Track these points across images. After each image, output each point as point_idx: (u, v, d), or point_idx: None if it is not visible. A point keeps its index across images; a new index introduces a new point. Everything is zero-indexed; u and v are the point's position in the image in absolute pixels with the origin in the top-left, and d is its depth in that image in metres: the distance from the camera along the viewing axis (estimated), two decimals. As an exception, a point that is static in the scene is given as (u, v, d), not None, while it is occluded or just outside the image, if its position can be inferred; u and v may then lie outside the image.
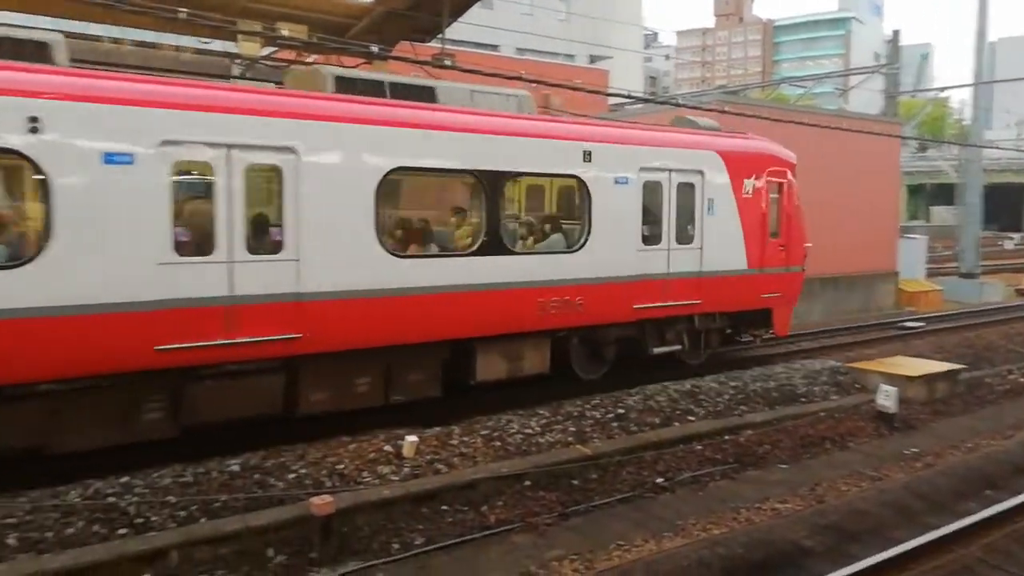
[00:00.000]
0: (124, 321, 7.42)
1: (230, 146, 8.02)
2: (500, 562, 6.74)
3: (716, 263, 12.40)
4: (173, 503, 6.87)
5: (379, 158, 9.10)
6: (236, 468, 7.73)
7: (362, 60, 13.54)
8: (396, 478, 7.97)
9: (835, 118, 21.89)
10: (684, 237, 12.12)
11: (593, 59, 52.69)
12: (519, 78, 14.14)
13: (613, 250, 11.23)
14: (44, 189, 7.10)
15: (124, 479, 7.26)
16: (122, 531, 6.44)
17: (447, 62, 11.59)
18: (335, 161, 8.81)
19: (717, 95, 26.76)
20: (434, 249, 10.15)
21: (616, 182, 11.20)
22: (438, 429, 9.31)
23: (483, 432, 9.36)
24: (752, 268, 12.88)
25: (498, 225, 10.20)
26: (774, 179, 13.19)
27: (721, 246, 12.47)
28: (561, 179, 11.59)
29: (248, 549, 6.54)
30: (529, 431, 9.53)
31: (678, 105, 19.87)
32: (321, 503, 6.62)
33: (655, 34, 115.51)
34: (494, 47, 43.53)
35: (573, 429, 9.72)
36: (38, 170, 7.09)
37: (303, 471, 7.87)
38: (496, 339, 10.41)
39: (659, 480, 8.76)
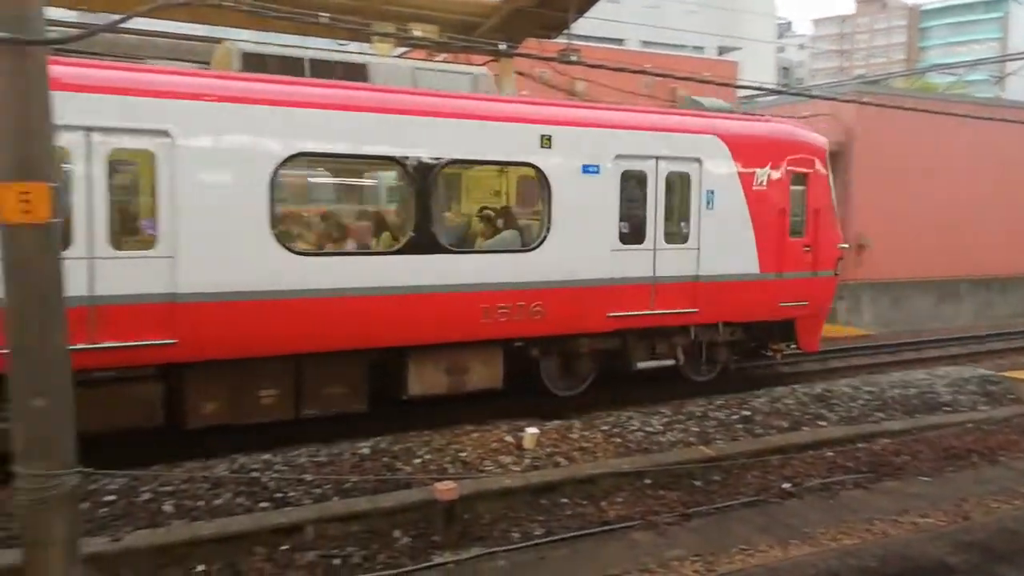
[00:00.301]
0: None
1: (89, 129, 7.24)
2: (620, 558, 6.73)
3: (717, 266, 10.76)
4: (309, 481, 7.27)
5: (275, 142, 8.01)
6: (366, 451, 8.10)
7: (490, 58, 13.78)
8: (517, 469, 8.09)
9: (989, 107, 20.35)
10: (675, 236, 10.65)
11: (722, 51, 51.28)
12: (644, 72, 13.97)
13: (579, 249, 9.85)
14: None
15: (266, 456, 7.77)
16: (263, 504, 6.88)
17: (573, 57, 11.63)
18: (218, 146, 7.86)
19: (855, 85, 25.42)
20: (351, 247, 9.12)
21: (584, 171, 9.82)
22: (558, 422, 9.39)
23: (603, 428, 9.36)
24: (766, 272, 11.12)
25: (430, 220, 9.02)
26: (797, 168, 11.37)
27: (724, 246, 10.82)
28: (515, 168, 10.33)
29: (376, 529, 6.83)
30: (650, 429, 9.44)
31: (812, 97, 19.03)
32: (445, 489, 6.82)
33: (789, 23, 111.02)
34: (619, 41, 43.16)
35: (696, 429, 9.55)
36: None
37: (428, 456, 8.13)
38: (434, 349, 9.28)
39: (786, 485, 8.46)
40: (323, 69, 8.82)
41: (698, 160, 10.63)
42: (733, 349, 11.76)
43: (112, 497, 6.75)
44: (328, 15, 8.43)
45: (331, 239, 9.24)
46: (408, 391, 9.28)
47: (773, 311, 11.40)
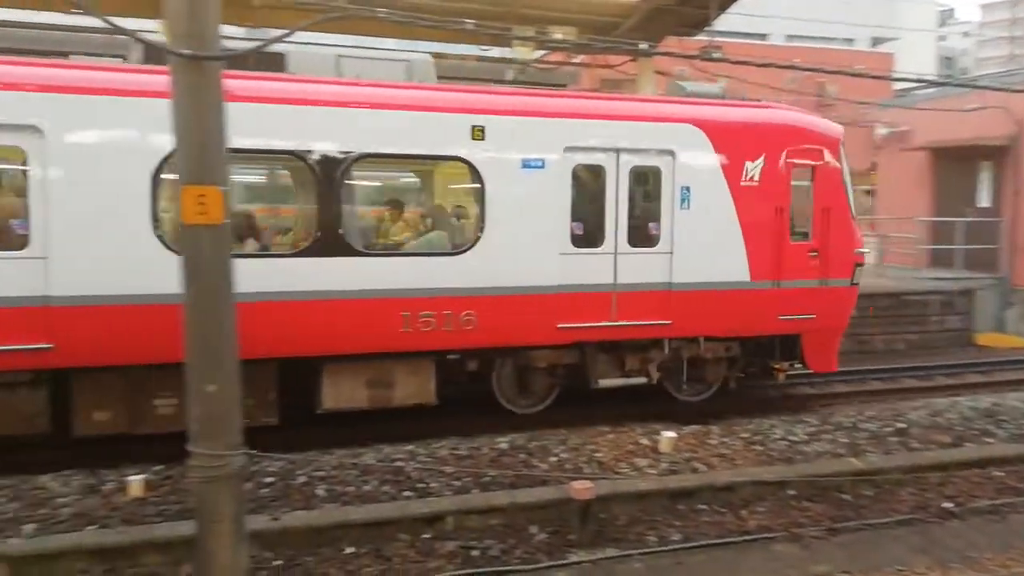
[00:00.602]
0: None
1: None
2: (761, 569, 6.51)
3: (695, 273, 9.53)
4: (449, 472, 7.50)
5: (160, 137, 7.12)
6: (504, 446, 8.27)
7: (628, 58, 13.70)
8: (653, 472, 7.99)
9: None
10: (642, 238, 9.52)
11: (876, 42, 48.39)
12: (792, 67, 13.43)
13: (519, 253, 8.88)
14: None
15: (409, 447, 8.11)
16: (407, 493, 7.16)
17: (715, 55, 11.37)
18: (95, 141, 7.39)
19: (1030, 73, 23.26)
20: (250, 248, 8.25)
21: (524, 166, 8.82)
22: (696, 427, 9.20)
23: (743, 435, 9.08)
24: (760, 281, 9.75)
25: (339, 220, 8.29)
26: (800, 160, 9.84)
27: (704, 250, 9.58)
28: (443, 162, 9.37)
29: (513, 523, 6.95)
30: (794, 438, 9.06)
31: (980, 87, 17.64)
32: (581, 488, 6.84)
33: (951, 10, 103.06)
34: (762, 36, 41.64)
35: (844, 440, 9.07)
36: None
37: (564, 455, 8.18)
38: (353, 360, 8.53)
39: (947, 505, 7.87)
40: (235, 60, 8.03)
41: (671, 152, 9.40)
42: (731, 366, 10.45)
43: (271, 479, 7.25)
44: (473, 21, 8.67)
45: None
46: (322, 405, 8.60)
47: (770, 325, 10.00)
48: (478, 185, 8.80)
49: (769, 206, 9.68)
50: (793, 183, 9.86)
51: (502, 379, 9.61)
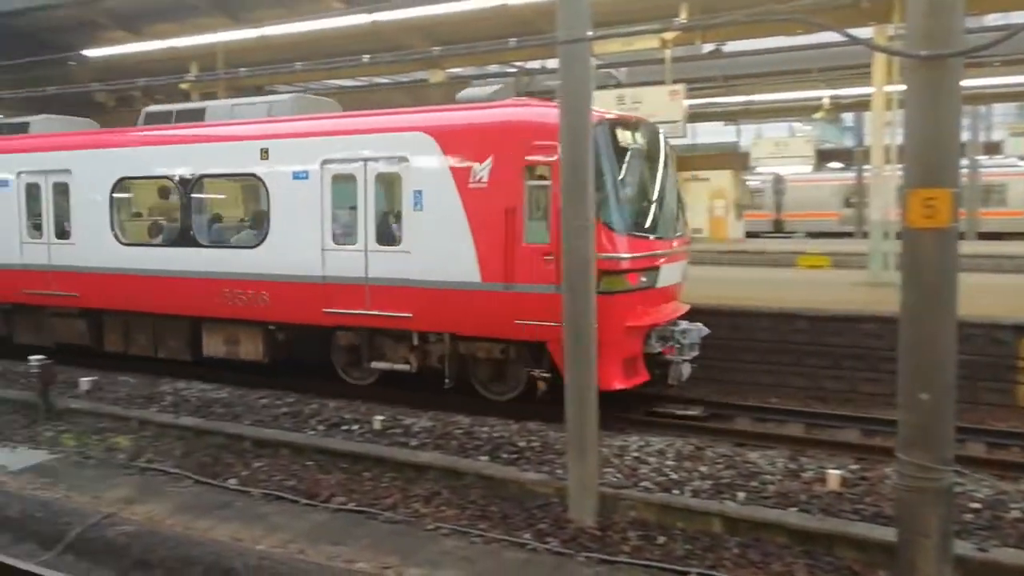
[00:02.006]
0: None
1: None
2: None
3: (430, 271, 9.58)
4: None
5: (111, 172, 12.10)
6: None
7: None
8: None
9: None
10: (388, 237, 10.06)
11: None
12: None
13: (293, 248, 10.58)
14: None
15: None
16: None
17: None
18: (88, 176, 12.33)
19: None
20: (153, 241, 12.34)
21: (294, 177, 10.49)
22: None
23: None
24: (491, 282, 9.18)
25: (189, 221, 11.51)
26: (535, 159, 8.91)
27: (437, 250, 9.56)
28: (246, 178, 11.51)
29: None
30: None
31: None
32: None
33: None
34: None
35: None
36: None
37: None
38: (218, 323, 11.39)
39: None
40: (185, 115, 12.14)
41: (405, 159, 9.84)
42: (509, 368, 9.89)
43: (977, 505, 6.65)
44: None
45: (142, 236, 12.62)
46: (204, 352, 11.70)
47: (507, 329, 9.33)
48: (266, 194, 10.89)
49: (499, 207, 9.24)
50: (531, 182, 9.13)
51: (333, 352, 11.05)
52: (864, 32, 10.68)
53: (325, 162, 10.35)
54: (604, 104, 12.05)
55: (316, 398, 10.69)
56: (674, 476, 7.59)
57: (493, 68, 23.29)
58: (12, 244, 13.10)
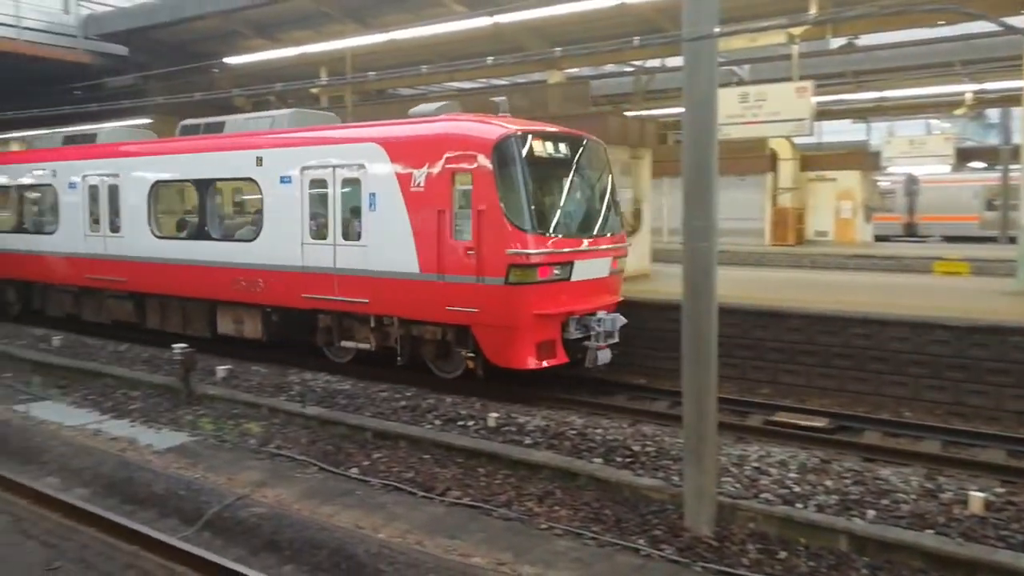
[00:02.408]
0: None
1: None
2: None
3: (383, 263, 10.99)
4: None
5: (150, 175, 14.16)
6: None
7: None
8: None
9: None
10: (351, 234, 11.47)
11: None
12: None
13: (281, 242, 12.07)
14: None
15: None
16: None
17: None
18: (131, 177, 14.34)
19: None
20: (181, 235, 14.21)
21: (281, 181, 12.04)
22: None
23: None
24: (428, 273, 10.47)
25: (205, 219, 13.42)
26: (459, 166, 10.12)
27: (388, 245, 10.94)
28: (246, 182, 13.26)
29: None
30: None
31: None
32: None
33: None
34: None
35: None
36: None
37: None
38: (228, 305, 13.16)
39: None
40: (210, 128, 13.93)
41: (362, 166, 11.15)
42: (447, 350, 11.10)
43: None
44: None
45: (171, 230, 14.38)
46: (218, 331, 13.38)
47: (440, 314, 10.64)
48: (260, 196, 12.51)
49: (433, 208, 10.43)
50: (458, 187, 10.23)
51: (316, 333, 12.38)
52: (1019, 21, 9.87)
53: (304, 168, 11.89)
54: (725, 103, 11.87)
55: (433, 393, 10.94)
56: (797, 489, 7.29)
57: (610, 68, 23.18)
58: (78, 236, 15.36)
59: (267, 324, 12.83)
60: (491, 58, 9.13)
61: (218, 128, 13.76)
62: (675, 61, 16.93)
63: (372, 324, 11.49)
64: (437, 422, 9.84)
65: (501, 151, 9.94)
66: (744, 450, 8.39)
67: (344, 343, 11.95)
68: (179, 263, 13.55)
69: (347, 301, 11.45)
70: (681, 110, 7.08)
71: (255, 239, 12.60)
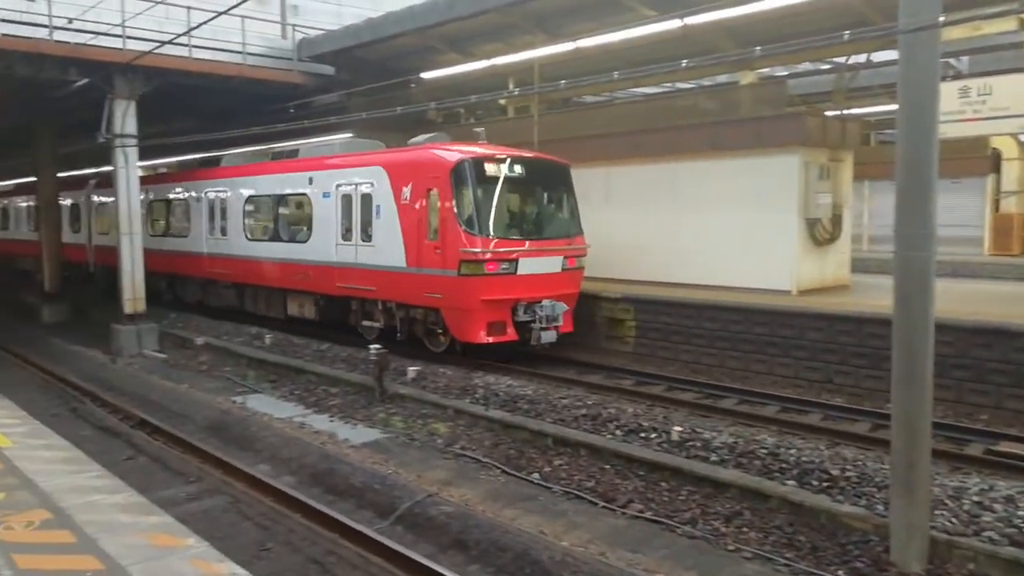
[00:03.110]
0: None
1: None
2: None
3: (386, 259, 13.89)
4: None
5: (244, 191, 17.94)
6: None
7: None
8: None
9: None
10: (367, 236, 14.39)
11: None
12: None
13: (322, 243, 15.37)
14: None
15: None
16: None
17: None
18: (231, 192, 18.40)
19: None
20: (263, 237, 17.51)
21: (323, 196, 15.38)
22: None
23: None
24: (412, 267, 13.44)
25: (277, 225, 17.01)
26: (430, 184, 13.16)
27: (387, 245, 13.86)
28: (302, 196, 16.31)
29: None
30: None
31: None
32: None
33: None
34: None
35: None
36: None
37: None
38: (296, 293, 16.57)
39: None
40: (281, 154, 17.97)
41: (373, 183, 14.28)
42: (433, 328, 13.94)
43: None
44: None
45: (257, 234, 17.79)
46: (287, 313, 17.05)
47: (423, 299, 13.51)
48: (310, 208, 15.96)
49: (414, 216, 13.42)
50: (431, 200, 13.17)
51: (351, 315, 15.46)
52: None
53: (338, 185, 15.14)
54: (942, 98, 10.83)
55: (614, 403, 10.82)
56: (1029, 530, 6.46)
57: (804, 66, 21.91)
58: (202, 238, 19.35)
59: (318, 307, 16.15)
60: (685, 61, 8.85)
61: (294, 153, 17.52)
62: (882, 55, 15.69)
63: (380, 307, 14.63)
64: (618, 432, 9.71)
65: (457, 172, 12.91)
66: (962, 482, 7.54)
67: (364, 322, 14.99)
68: (261, 260, 17.31)
69: (363, 289, 14.63)
70: (887, 108, 6.51)
71: (307, 241, 15.93)
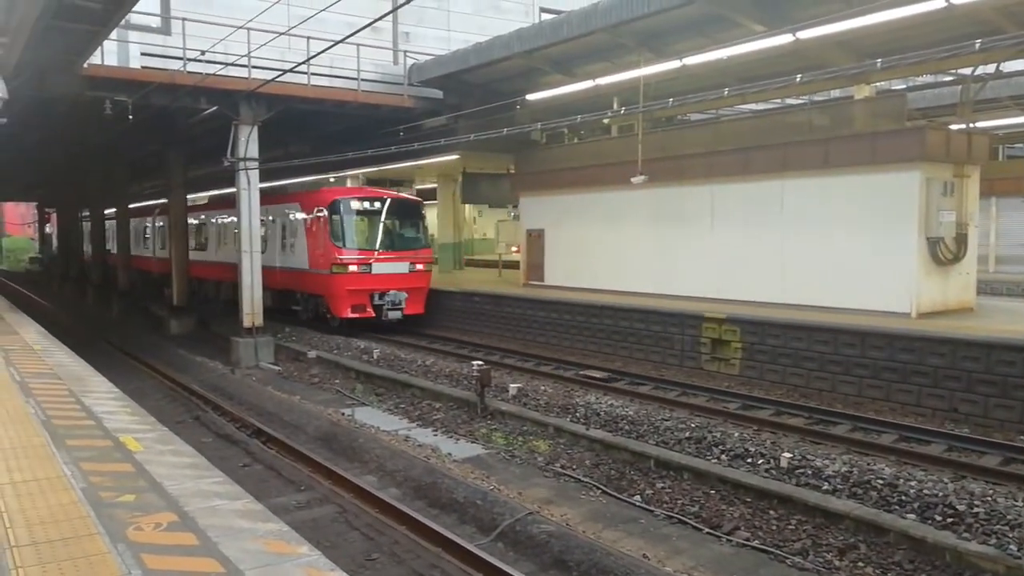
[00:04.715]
0: None
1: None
2: None
3: (300, 263, 20.47)
4: None
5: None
6: None
7: None
8: None
9: None
10: (294, 248, 20.73)
11: None
12: None
13: (274, 253, 21.42)
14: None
15: None
16: None
17: None
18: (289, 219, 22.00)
19: None
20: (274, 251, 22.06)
21: (273, 220, 21.74)
22: None
23: None
24: (311, 268, 20.00)
25: (266, 243, 20.67)
26: (319, 214, 19.73)
27: (301, 254, 20.38)
28: (271, 222, 21.77)
29: None
30: None
31: None
32: None
33: None
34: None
35: None
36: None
37: None
38: (296, 293, 21.43)
39: None
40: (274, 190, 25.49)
41: (298, 211, 20.95)
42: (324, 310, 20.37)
43: None
44: None
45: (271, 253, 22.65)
46: (298, 305, 21.58)
47: (317, 289, 20.11)
48: (272, 230, 21.84)
49: (312, 235, 20.08)
50: (320, 225, 19.75)
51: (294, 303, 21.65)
52: None
53: (282, 214, 21.68)
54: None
55: (719, 426, 10.55)
56: None
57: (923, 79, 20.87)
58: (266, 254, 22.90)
59: (274, 299, 21.23)
60: (799, 76, 8.59)
61: (284, 190, 25.42)
62: (1011, 65, 14.78)
63: (298, 296, 21.27)
64: (723, 457, 9.46)
65: (332, 207, 19.56)
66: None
67: (294, 307, 21.32)
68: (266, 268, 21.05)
69: (289, 285, 21.29)
70: (1017, 120, 6.11)
71: (266, 252, 19.80)
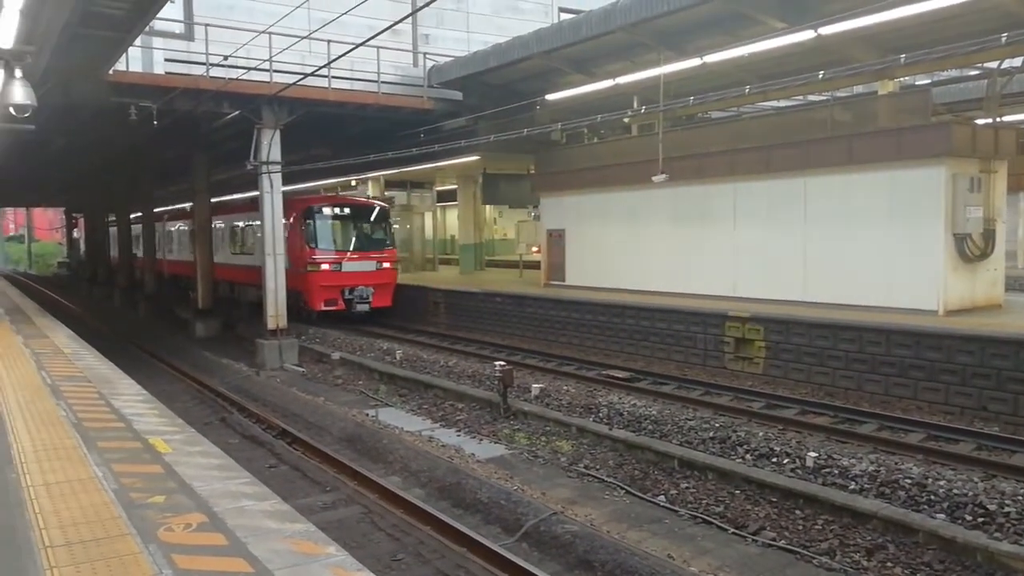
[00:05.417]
0: None
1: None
2: None
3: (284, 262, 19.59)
4: None
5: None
6: None
7: None
8: None
9: None
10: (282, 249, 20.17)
11: None
12: None
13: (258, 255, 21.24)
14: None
15: None
16: None
17: None
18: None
19: None
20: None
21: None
22: None
23: None
24: (292, 266, 20.30)
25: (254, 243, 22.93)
26: (296, 218, 21.51)
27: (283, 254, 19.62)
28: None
29: None
30: None
31: None
32: None
33: None
34: None
35: None
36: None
37: None
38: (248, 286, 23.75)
39: None
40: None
41: (286, 216, 20.37)
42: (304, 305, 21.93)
43: None
44: None
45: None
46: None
47: (298, 286, 21.12)
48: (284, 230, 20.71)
49: (291, 237, 21.15)
50: (298, 228, 21.57)
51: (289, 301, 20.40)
52: None
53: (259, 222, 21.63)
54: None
55: (743, 426, 10.50)
56: None
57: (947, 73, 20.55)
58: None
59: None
60: (822, 72, 8.50)
61: (255, 200, 24.58)
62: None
63: (287, 291, 21.34)
64: (748, 456, 9.41)
65: (306, 213, 21.61)
66: None
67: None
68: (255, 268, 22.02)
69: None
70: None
71: (255, 254, 22.04)
